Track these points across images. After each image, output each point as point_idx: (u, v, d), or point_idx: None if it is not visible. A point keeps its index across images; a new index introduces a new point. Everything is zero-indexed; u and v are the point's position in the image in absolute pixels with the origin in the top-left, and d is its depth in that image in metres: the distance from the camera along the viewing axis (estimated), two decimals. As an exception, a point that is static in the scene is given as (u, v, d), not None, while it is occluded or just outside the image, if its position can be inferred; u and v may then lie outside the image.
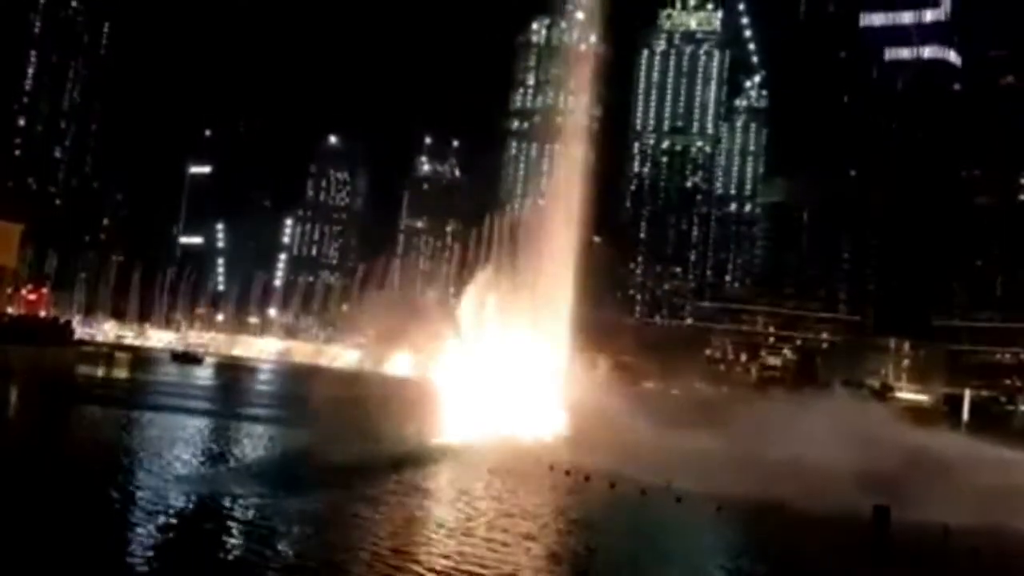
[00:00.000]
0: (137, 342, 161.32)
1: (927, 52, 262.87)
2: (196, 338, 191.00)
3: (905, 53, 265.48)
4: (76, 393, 63.19)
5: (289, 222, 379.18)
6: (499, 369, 54.59)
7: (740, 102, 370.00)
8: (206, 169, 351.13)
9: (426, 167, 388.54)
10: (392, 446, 40.53)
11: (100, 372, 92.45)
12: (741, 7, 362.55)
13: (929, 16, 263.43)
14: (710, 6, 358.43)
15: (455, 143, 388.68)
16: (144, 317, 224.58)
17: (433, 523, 29.06)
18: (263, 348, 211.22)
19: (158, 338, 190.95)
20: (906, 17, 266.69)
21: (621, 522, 32.49)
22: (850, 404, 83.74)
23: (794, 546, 30.85)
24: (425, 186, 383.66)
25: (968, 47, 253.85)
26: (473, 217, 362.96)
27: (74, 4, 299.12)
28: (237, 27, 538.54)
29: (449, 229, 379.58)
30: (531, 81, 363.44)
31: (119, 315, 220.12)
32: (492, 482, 37.54)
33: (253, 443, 44.85)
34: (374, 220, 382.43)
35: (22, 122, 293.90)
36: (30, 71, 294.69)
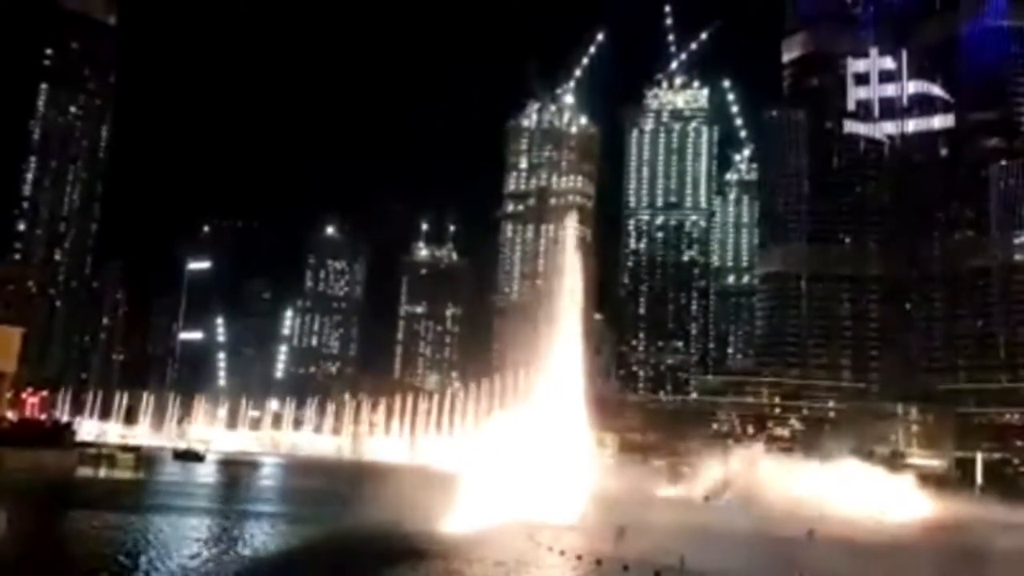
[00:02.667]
0: (139, 441, 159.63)
1: (911, 124, 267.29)
2: (198, 434, 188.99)
3: (890, 127, 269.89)
4: (75, 497, 62.18)
5: (289, 313, 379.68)
6: (509, 453, 53.74)
7: (731, 176, 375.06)
8: (205, 264, 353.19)
9: (424, 252, 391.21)
10: (394, 538, 39.40)
11: (102, 474, 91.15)
12: (726, 84, 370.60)
13: (912, 88, 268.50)
14: (696, 84, 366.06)
15: (452, 227, 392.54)
16: (146, 415, 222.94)
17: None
18: (266, 441, 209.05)
19: (160, 436, 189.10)
20: (888, 89, 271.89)
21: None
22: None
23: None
24: (423, 271, 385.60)
25: (954, 112, 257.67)
26: (472, 300, 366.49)
27: (73, 110, 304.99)
28: (232, 124, 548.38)
29: (449, 313, 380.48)
30: (524, 164, 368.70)
31: (121, 414, 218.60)
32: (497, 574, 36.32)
33: (254, 542, 43.78)
34: (374, 308, 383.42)
35: (22, 226, 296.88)
36: (29, 176, 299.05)
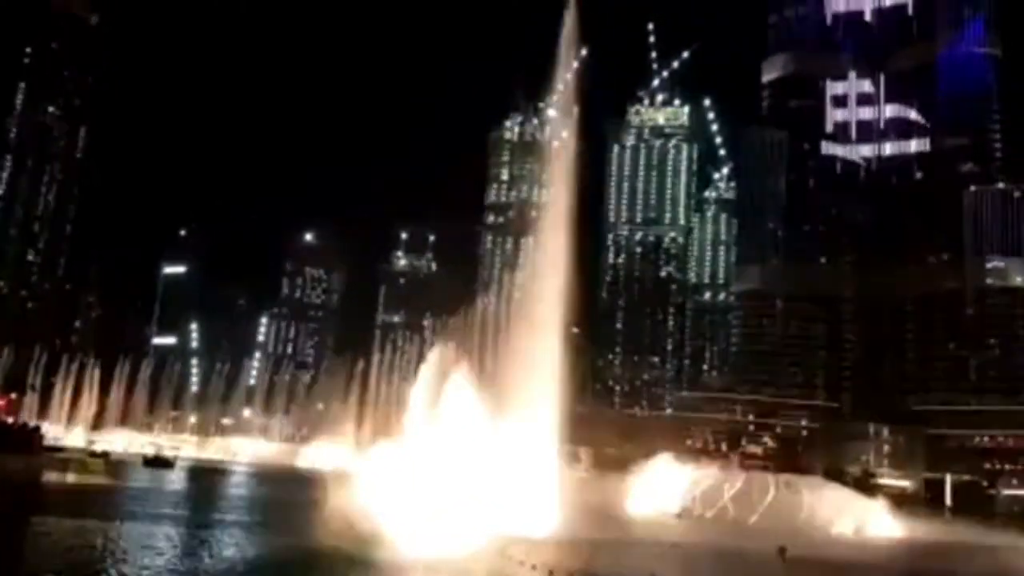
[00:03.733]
0: (109, 447, 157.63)
1: (888, 147, 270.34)
2: (169, 441, 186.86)
3: (866, 150, 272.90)
4: (41, 503, 61.18)
5: (264, 320, 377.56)
6: (482, 467, 53.39)
7: (709, 193, 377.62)
8: (181, 269, 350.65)
9: (402, 262, 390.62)
10: (363, 551, 38.79)
11: (70, 479, 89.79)
12: (707, 103, 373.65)
13: (889, 111, 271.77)
14: (677, 102, 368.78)
15: (431, 237, 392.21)
16: (117, 420, 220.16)
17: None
18: (237, 450, 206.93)
19: (130, 442, 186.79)
20: (865, 113, 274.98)
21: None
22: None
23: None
24: (402, 281, 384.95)
25: (929, 136, 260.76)
26: (450, 311, 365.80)
27: (51, 109, 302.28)
28: (210, 127, 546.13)
29: (426, 323, 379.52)
30: (505, 176, 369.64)
31: (91, 419, 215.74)
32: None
33: (218, 551, 43.16)
34: (350, 316, 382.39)
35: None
36: (5, 175, 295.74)
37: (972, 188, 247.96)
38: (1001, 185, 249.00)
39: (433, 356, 63.60)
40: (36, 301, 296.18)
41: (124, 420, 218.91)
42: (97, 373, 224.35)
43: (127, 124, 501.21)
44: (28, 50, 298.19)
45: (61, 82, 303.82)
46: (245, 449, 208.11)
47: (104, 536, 43.17)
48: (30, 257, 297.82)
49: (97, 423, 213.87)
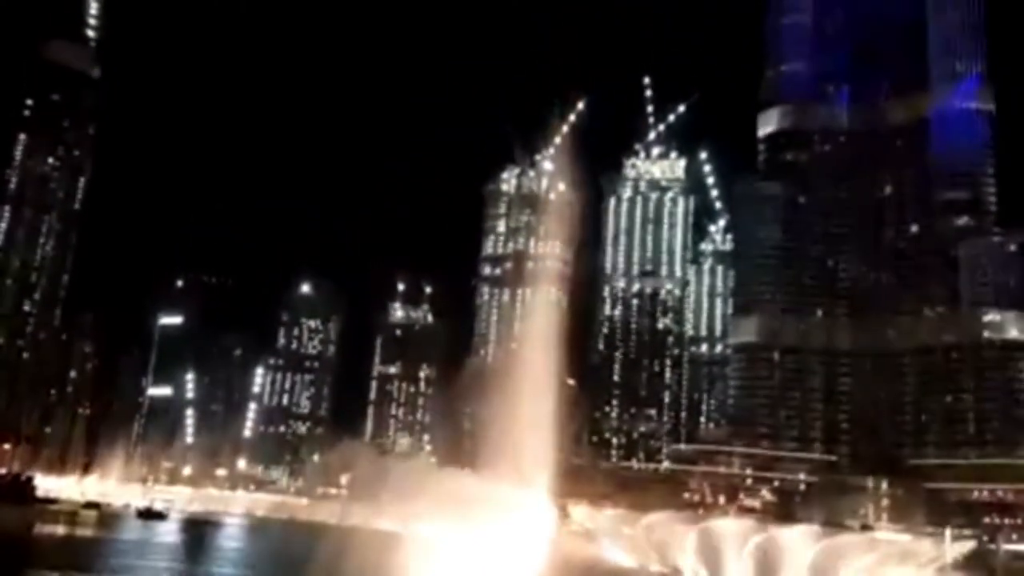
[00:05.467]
0: (102, 499, 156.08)
1: (884, 200, 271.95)
2: (162, 493, 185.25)
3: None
4: (33, 556, 60.42)
5: (260, 371, 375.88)
6: (477, 520, 53.01)
7: (706, 246, 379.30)
8: (177, 320, 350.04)
9: (399, 313, 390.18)
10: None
11: (62, 531, 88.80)
12: (703, 156, 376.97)
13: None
14: (673, 155, 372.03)
15: (428, 289, 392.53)
16: (110, 472, 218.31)
17: None
18: (231, 502, 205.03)
19: (124, 494, 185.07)
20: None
21: None
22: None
23: None
24: (398, 332, 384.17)
25: (925, 191, 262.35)
26: (447, 362, 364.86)
27: (51, 160, 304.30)
28: (208, 178, 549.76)
29: (423, 375, 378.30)
30: (502, 228, 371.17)
31: (85, 470, 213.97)
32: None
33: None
34: (347, 367, 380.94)
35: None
36: (3, 225, 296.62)
37: (968, 241, 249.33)
38: (996, 238, 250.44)
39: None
40: (31, 351, 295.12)
41: (118, 471, 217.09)
42: (91, 424, 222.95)
43: (126, 175, 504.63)
44: (29, 102, 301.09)
45: (61, 133, 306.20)
46: (239, 501, 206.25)
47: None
48: (26, 307, 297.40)
49: (90, 474, 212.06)
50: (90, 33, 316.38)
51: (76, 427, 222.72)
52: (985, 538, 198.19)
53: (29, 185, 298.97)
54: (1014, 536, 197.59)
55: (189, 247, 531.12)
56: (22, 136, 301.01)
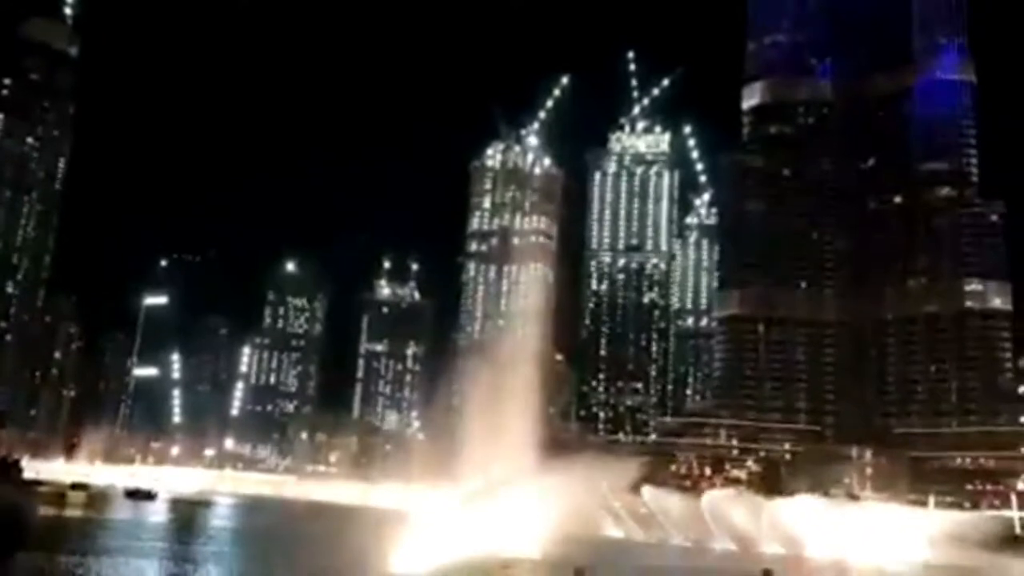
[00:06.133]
0: (90, 479, 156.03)
1: (867, 171, 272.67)
2: (151, 473, 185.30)
3: (846, 175, 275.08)
4: (24, 539, 60.44)
5: (246, 350, 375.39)
6: (471, 493, 53.43)
7: (691, 219, 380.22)
8: (161, 300, 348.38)
9: (385, 290, 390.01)
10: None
11: (50, 512, 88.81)
12: (687, 129, 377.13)
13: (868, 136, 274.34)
14: (658, 129, 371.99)
15: (414, 266, 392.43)
16: (97, 453, 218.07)
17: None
18: (219, 481, 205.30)
19: (112, 474, 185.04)
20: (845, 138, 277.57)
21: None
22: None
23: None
24: (385, 309, 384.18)
25: (908, 162, 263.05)
26: (434, 339, 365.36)
27: (30, 140, 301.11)
28: (190, 157, 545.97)
29: (410, 352, 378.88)
30: (487, 204, 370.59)
31: (72, 451, 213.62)
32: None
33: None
34: (333, 345, 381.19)
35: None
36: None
37: (950, 212, 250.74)
38: (978, 209, 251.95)
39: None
40: (15, 334, 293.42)
41: (105, 452, 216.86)
42: (77, 405, 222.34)
43: (107, 154, 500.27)
44: (6, 81, 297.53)
45: (40, 112, 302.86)
46: (228, 480, 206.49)
47: (84, 572, 42.84)
48: (9, 289, 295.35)
49: (77, 455, 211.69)
50: (68, 11, 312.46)
51: (61, 409, 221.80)
52: (966, 504, 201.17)
53: (8, 165, 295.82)
54: (996, 502, 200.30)
55: (172, 227, 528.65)
56: (0, 116, 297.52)
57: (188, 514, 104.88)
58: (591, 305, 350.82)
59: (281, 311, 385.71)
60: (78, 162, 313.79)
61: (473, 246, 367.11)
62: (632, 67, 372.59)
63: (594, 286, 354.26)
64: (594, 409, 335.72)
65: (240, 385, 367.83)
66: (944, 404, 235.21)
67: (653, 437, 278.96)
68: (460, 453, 61.47)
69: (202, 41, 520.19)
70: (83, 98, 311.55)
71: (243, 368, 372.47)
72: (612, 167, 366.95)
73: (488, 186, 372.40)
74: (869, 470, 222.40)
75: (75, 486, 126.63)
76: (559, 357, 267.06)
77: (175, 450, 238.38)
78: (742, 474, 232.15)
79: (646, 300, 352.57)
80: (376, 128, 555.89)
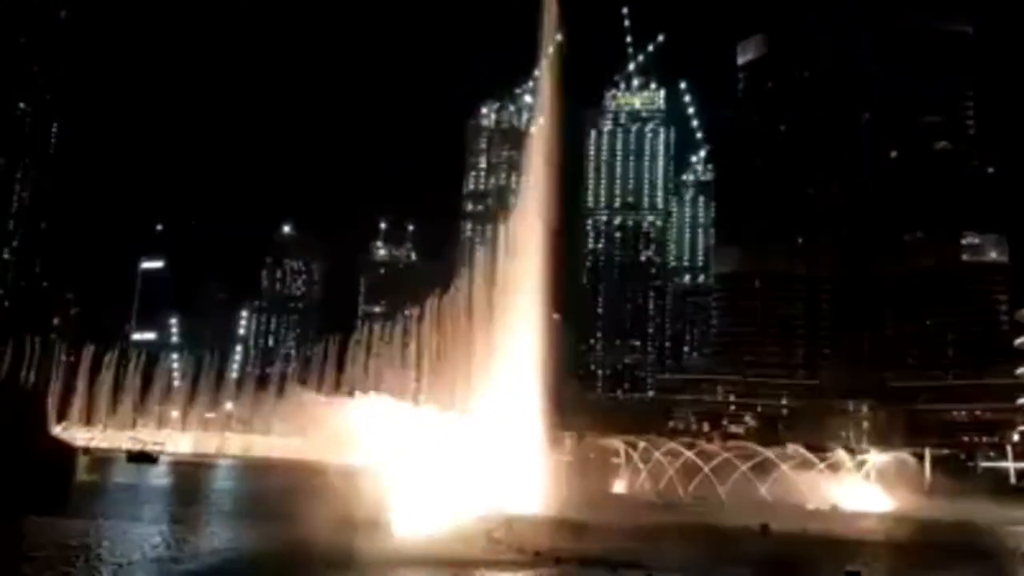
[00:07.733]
0: (90, 443, 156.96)
1: (863, 124, 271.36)
2: (151, 436, 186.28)
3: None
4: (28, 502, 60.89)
5: (245, 313, 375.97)
6: (469, 451, 53.69)
7: (687, 176, 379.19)
8: (159, 264, 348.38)
9: (382, 252, 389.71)
10: (348, 542, 38.44)
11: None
12: (683, 86, 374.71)
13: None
14: (653, 86, 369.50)
15: (411, 227, 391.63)
16: (97, 416, 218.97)
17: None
18: (220, 443, 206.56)
19: (112, 438, 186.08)
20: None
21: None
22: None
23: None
24: (382, 271, 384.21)
25: (905, 114, 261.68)
26: (432, 300, 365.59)
27: (22, 105, 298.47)
28: (186, 120, 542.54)
29: (408, 312, 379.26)
30: (483, 164, 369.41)
31: (70, 416, 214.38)
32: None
33: (205, 546, 43.07)
34: (332, 307, 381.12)
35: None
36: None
37: (946, 165, 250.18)
38: (975, 162, 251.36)
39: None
40: (12, 299, 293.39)
41: (105, 416, 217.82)
42: (76, 370, 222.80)
43: (101, 118, 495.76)
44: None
45: (31, 77, 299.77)
46: (229, 442, 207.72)
47: (86, 534, 43.16)
48: (6, 255, 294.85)
49: (78, 419, 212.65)
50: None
51: (60, 373, 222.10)
52: (963, 456, 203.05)
53: (0, 130, 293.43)
54: (991, 453, 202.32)
55: (169, 190, 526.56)
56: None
57: (191, 477, 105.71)
58: (588, 263, 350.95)
59: (278, 274, 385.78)
60: (72, 126, 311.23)
61: (469, 206, 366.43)
62: (627, 23, 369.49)
63: (591, 244, 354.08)
64: (592, 367, 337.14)
65: (239, 348, 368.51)
66: (941, 357, 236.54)
67: (651, 394, 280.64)
68: (457, 412, 61.73)
69: (201, 3, 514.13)
70: (74, 61, 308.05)
71: (241, 331, 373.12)
72: (608, 125, 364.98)
73: (483, 145, 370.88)
74: (866, 424, 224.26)
75: (82, 451, 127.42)
76: (556, 316, 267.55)
77: (175, 414, 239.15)
78: (740, 429, 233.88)
79: (643, 258, 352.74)
80: (371, 90, 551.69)
